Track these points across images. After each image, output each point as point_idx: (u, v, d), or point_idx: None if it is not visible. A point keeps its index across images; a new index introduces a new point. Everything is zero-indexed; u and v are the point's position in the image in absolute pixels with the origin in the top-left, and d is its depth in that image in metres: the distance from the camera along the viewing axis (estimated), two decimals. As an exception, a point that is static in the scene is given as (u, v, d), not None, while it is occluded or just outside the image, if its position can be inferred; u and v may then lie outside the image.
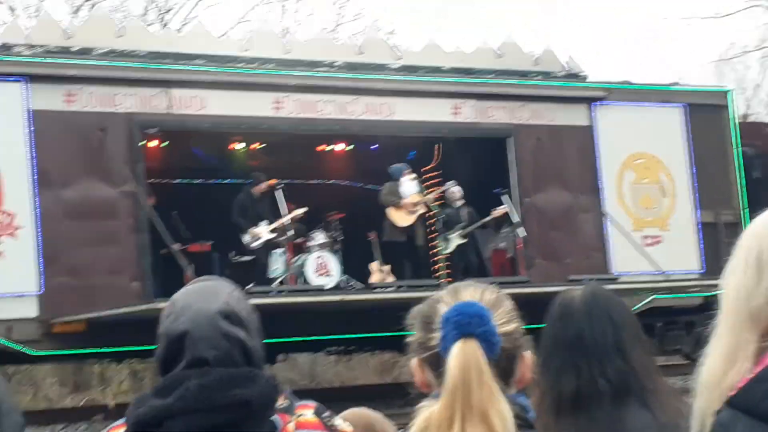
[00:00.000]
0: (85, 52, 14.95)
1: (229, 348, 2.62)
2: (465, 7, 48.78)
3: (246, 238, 15.93)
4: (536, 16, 49.73)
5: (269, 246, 15.99)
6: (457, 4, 48.19)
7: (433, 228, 17.28)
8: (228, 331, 2.63)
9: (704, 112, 18.60)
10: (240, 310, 2.69)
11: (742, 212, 18.53)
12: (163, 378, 2.64)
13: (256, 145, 17.71)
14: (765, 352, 1.99)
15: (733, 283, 2.05)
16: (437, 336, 2.39)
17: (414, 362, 2.48)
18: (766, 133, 20.31)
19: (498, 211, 16.73)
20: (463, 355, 2.30)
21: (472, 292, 2.47)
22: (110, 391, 19.88)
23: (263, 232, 15.89)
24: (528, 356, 2.49)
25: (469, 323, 2.33)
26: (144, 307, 13.10)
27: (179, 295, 2.72)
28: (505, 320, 2.43)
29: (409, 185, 16.51)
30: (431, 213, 16.75)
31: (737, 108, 35.11)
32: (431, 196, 16.59)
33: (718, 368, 2.03)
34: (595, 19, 49.58)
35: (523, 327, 2.52)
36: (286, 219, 15.78)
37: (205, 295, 2.68)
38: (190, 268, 14.50)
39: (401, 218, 16.43)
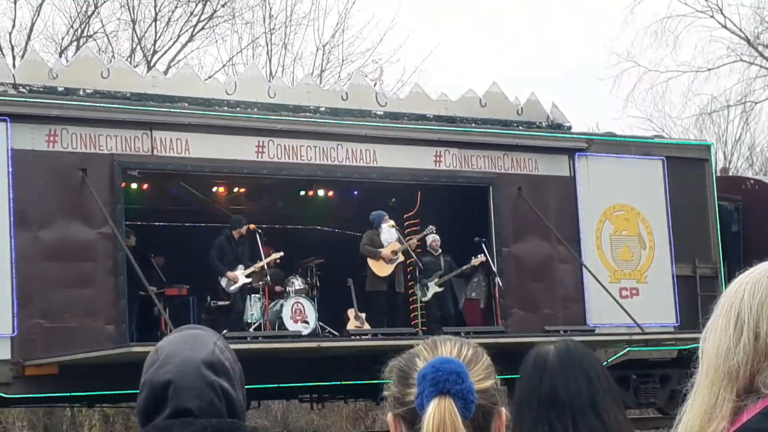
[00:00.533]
0: (69, 92, 14.96)
1: (213, 398, 2.59)
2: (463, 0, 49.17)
3: (223, 282, 15.89)
4: (531, 8, 50.08)
5: (246, 290, 15.94)
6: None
7: (410, 276, 17.29)
8: (213, 381, 2.60)
9: (684, 166, 18.73)
10: (225, 360, 2.67)
11: (719, 266, 18.60)
12: (144, 428, 2.61)
13: (237, 189, 17.73)
14: (741, 411, 1.99)
15: (712, 341, 2.05)
16: (414, 392, 2.37)
17: (390, 417, 2.46)
18: (746, 188, 20.44)
19: (477, 260, 16.75)
20: (439, 413, 2.28)
21: (450, 347, 2.45)
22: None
23: (240, 276, 15.86)
24: (503, 412, 2.47)
25: (446, 381, 2.31)
26: (118, 350, 13.03)
27: (164, 343, 2.70)
28: (482, 377, 2.42)
29: (388, 232, 16.52)
30: (410, 261, 16.75)
31: (717, 162, 35.42)
32: (411, 243, 16.60)
33: (695, 426, 2.02)
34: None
35: (499, 381, 2.50)
36: (262, 264, 15.77)
37: (190, 344, 2.66)
38: (166, 312, 14.45)
39: (380, 268, 16.44)
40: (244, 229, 16.16)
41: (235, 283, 15.81)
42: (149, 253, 16.09)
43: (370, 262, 16.48)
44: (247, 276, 15.88)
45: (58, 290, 14.07)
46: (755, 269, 2.08)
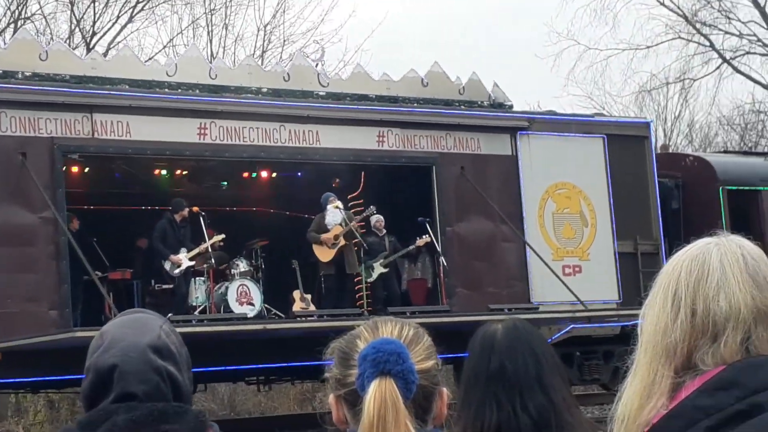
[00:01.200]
0: (7, 75, 14.77)
1: (158, 383, 2.59)
2: None
3: (167, 265, 15.81)
4: None
5: (190, 274, 15.88)
6: None
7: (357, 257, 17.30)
8: (158, 365, 2.61)
9: (625, 143, 18.90)
10: (171, 344, 2.67)
11: (660, 243, 18.81)
12: (89, 412, 2.60)
13: (179, 171, 17.62)
14: (680, 387, 2.03)
15: (650, 318, 2.08)
16: (355, 373, 2.38)
17: (331, 398, 2.48)
18: (685, 165, 20.67)
19: (422, 241, 16.80)
20: (379, 394, 2.30)
21: (391, 327, 2.47)
22: (25, 422, 19.53)
23: (183, 259, 15.78)
24: (445, 392, 2.50)
25: (386, 361, 2.33)
26: (62, 335, 12.94)
27: (109, 328, 2.69)
28: (423, 357, 2.44)
29: (333, 214, 16.52)
30: (355, 241, 16.77)
31: (657, 139, 35.75)
32: (353, 225, 16.61)
33: (635, 403, 2.06)
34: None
35: (441, 362, 2.53)
36: (205, 246, 15.71)
37: (135, 329, 2.65)
38: (110, 296, 14.35)
39: (323, 253, 16.45)
40: (185, 212, 16.07)
41: (179, 266, 15.74)
42: (91, 238, 15.95)
43: (315, 247, 16.50)
44: (191, 259, 15.81)
45: (0, 275, 13.92)
46: (691, 246, 2.12)
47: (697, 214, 19.47)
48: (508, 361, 3.15)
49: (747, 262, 2.05)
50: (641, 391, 2.05)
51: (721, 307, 2.02)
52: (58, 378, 14.10)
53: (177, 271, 15.74)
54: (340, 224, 16.47)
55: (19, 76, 14.86)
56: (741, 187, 19.95)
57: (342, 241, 16.44)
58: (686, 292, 2.04)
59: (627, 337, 17.46)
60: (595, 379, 18.31)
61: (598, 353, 18.01)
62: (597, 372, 18.03)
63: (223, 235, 15.95)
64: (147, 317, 2.72)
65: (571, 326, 17.21)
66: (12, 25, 29.25)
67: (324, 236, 16.39)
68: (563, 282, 16.88)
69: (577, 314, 16.78)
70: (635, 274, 18.45)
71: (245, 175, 18.00)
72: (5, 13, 29.80)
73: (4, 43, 17.79)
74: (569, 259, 18.00)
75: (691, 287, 2.04)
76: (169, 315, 14.82)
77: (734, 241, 2.09)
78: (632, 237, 18.66)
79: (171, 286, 15.88)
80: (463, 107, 17.90)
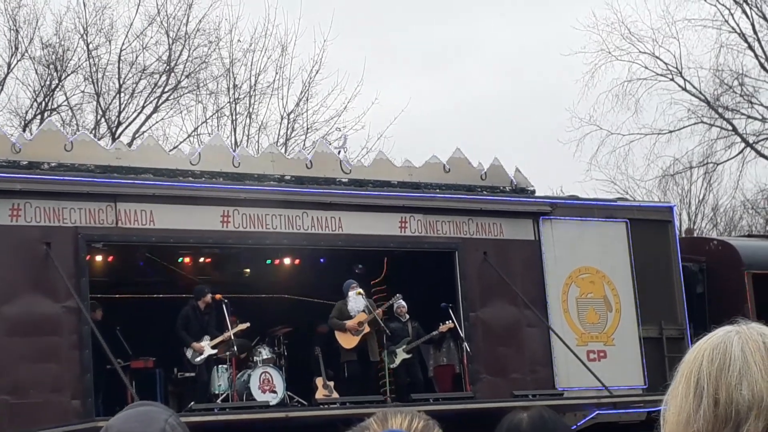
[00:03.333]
0: (33, 166, 14.92)
1: (164, 477, 2.57)
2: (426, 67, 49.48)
3: (189, 353, 15.78)
4: (492, 74, 50.56)
5: (213, 361, 15.83)
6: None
7: (379, 342, 17.24)
8: (163, 460, 2.58)
9: (648, 228, 18.86)
10: (177, 436, 2.65)
11: (685, 327, 18.67)
12: None
13: (203, 259, 17.67)
14: (704, 476, 2.00)
15: (672, 408, 2.07)
16: (363, 466, 2.36)
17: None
18: (709, 249, 20.59)
19: (445, 326, 16.72)
20: (388, 486, 2.28)
21: (401, 419, 2.44)
22: None
23: (206, 347, 15.76)
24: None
25: (395, 454, 2.31)
26: (84, 425, 12.89)
27: (114, 422, 2.67)
28: (432, 450, 2.41)
29: (355, 300, 16.51)
30: (377, 328, 16.72)
31: (681, 223, 35.71)
32: (377, 313, 16.55)
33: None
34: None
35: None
36: (228, 334, 15.69)
37: (140, 422, 2.63)
38: (132, 385, 14.32)
39: (346, 340, 16.42)
40: (208, 298, 16.08)
41: (201, 354, 15.71)
42: (114, 326, 15.97)
43: (338, 334, 16.47)
44: (213, 347, 15.77)
45: (23, 365, 13.91)
46: (712, 335, 2.10)
47: (722, 299, 19.34)
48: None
49: (768, 350, 2.04)
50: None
51: (743, 396, 2.00)
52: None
53: (199, 358, 15.70)
54: (364, 311, 16.44)
55: (45, 166, 15.01)
56: (767, 272, 19.81)
57: (366, 329, 16.40)
58: (708, 381, 2.03)
59: (653, 424, 17.23)
60: (623, 466, 18.04)
61: (624, 440, 17.78)
62: (624, 459, 17.77)
63: (247, 324, 15.93)
64: (152, 410, 2.70)
65: (597, 412, 17.00)
66: (39, 117, 29.67)
67: (348, 323, 16.36)
68: (588, 368, 16.74)
69: (603, 400, 16.61)
70: (661, 359, 18.29)
71: (268, 261, 18.03)
72: (32, 105, 30.25)
73: (30, 135, 18.00)
74: (594, 345, 17.87)
75: (713, 376, 2.03)
76: (191, 404, 14.78)
77: (755, 328, 2.08)
78: (657, 322, 18.52)
79: (193, 374, 15.83)
80: (485, 193, 17.94)
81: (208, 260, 17.75)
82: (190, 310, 16.10)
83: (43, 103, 30.39)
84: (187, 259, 17.53)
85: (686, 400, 2.04)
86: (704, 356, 2.06)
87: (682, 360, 2.12)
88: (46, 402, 13.94)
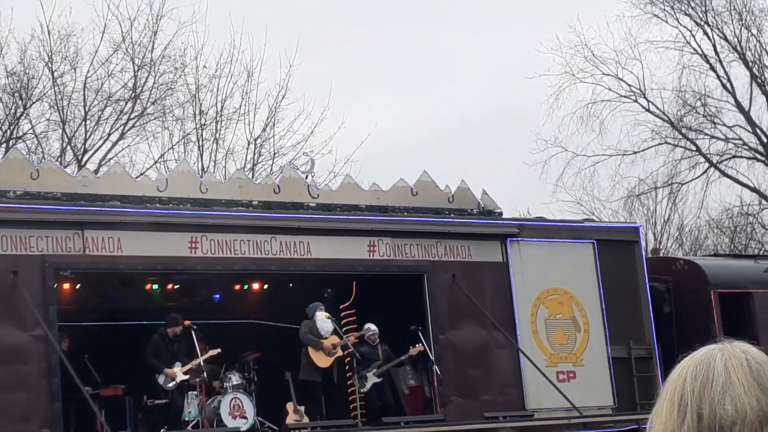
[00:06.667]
0: (-2, 194, 14.83)
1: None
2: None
3: (160, 379, 15.70)
4: (457, 93, 50.74)
5: (184, 388, 15.76)
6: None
7: (348, 367, 17.22)
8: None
9: (615, 248, 18.98)
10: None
11: (653, 347, 18.77)
12: None
13: (171, 285, 17.61)
14: (689, 491, 2.03)
15: (658, 425, 2.10)
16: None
17: None
18: (676, 268, 20.72)
19: (415, 349, 16.74)
20: None
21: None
22: None
23: (178, 372, 15.69)
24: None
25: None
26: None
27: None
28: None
29: (323, 322, 16.52)
30: (347, 351, 16.71)
31: (648, 243, 35.92)
32: (350, 339, 16.55)
33: None
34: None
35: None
36: (198, 361, 15.64)
37: None
38: (101, 413, 14.22)
39: (320, 359, 16.38)
40: (179, 329, 16.02)
41: (173, 380, 15.64)
42: (84, 354, 15.87)
43: (311, 351, 16.41)
44: (185, 373, 15.71)
45: (-10, 395, 13.79)
46: (696, 353, 2.14)
47: (690, 318, 19.47)
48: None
49: (751, 366, 2.07)
50: (652, 495, 2.05)
51: (727, 411, 2.03)
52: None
53: (171, 384, 15.64)
54: (334, 335, 16.44)
55: (11, 195, 14.93)
56: (732, 290, 19.97)
57: (339, 352, 16.39)
58: (692, 397, 2.06)
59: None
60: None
61: (595, 460, 17.82)
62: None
63: (218, 350, 15.90)
64: None
65: (567, 433, 17.05)
66: (4, 145, 29.49)
67: (325, 343, 16.34)
68: (558, 388, 16.79)
69: (573, 420, 16.66)
70: (629, 379, 18.38)
71: (237, 287, 18.00)
72: (-3, 133, 30.07)
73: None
74: (563, 365, 17.93)
75: (697, 392, 2.06)
76: (162, 430, 14.70)
77: (738, 346, 2.12)
78: (625, 341, 18.61)
79: (165, 400, 15.75)
80: (452, 215, 17.99)
81: (177, 286, 17.69)
82: (158, 338, 16.05)
83: (9, 131, 30.21)
84: (155, 286, 17.45)
85: (671, 416, 2.07)
86: (688, 373, 2.09)
87: (666, 378, 2.15)
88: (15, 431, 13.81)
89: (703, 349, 2.13)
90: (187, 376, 15.72)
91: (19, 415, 13.97)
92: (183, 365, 15.77)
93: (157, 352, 15.91)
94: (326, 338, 16.46)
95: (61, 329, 15.09)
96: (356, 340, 16.99)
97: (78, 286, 16.32)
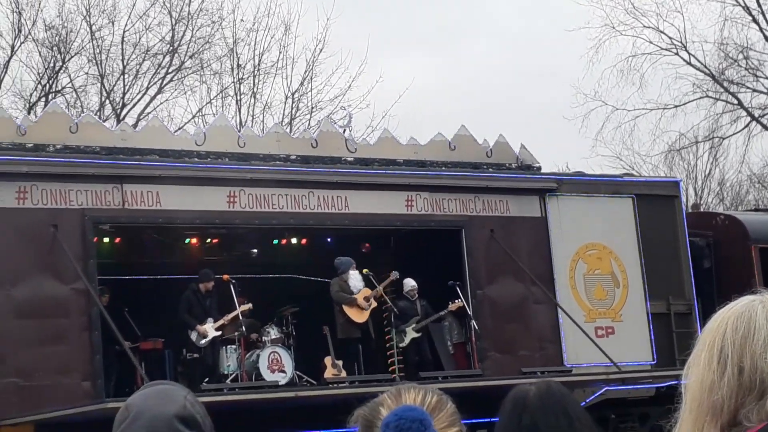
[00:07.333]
0: (38, 148, 14.91)
1: (186, 453, 2.57)
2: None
3: (193, 336, 15.78)
4: (498, 50, 50.46)
5: (219, 342, 15.84)
6: None
7: (386, 321, 17.24)
8: (185, 435, 2.59)
9: (654, 203, 18.83)
10: (196, 413, 2.65)
11: (693, 302, 18.66)
12: None
13: (210, 240, 17.67)
14: (726, 444, 1.99)
15: (695, 376, 2.05)
16: (378, 441, 2.36)
17: (355, 466, 2.45)
18: (716, 223, 20.55)
19: (454, 305, 16.70)
20: (402, 460, 2.28)
21: (414, 395, 2.45)
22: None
23: (209, 329, 15.75)
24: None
25: (409, 428, 2.31)
26: (94, 407, 12.90)
27: (133, 400, 2.67)
28: (446, 424, 2.42)
29: (356, 279, 16.50)
30: (385, 306, 16.71)
31: (688, 198, 35.64)
32: (382, 287, 16.53)
33: (680, 461, 2.02)
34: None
35: (465, 428, 2.50)
36: (231, 315, 15.70)
37: (160, 400, 2.64)
38: (141, 366, 14.33)
39: (356, 314, 16.39)
40: (210, 284, 16.05)
41: (205, 336, 15.71)
42: (123, 307, 15.98)
43: (346, 308, 16.43)
44: (217, 329, 15.78)
45: (32, 348, 13.93)
46: (736, 303, 2.09)
47: (730, 273, 19.31)
48: (540, 420, 3.11)
49: (792, 319, 2.02)
50: (687, 448, 2.01)
51: (768, 364, 1.99)
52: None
53: (203, 341, 15.71)
54: (367, 287, 16.44)
55: (50, 149, 15.00)
56: (774, 245, 19.78)
57: (374, 303, 16.40)
58: (732, 350, 2.02)
59: (662, 399, 17.27)
60: (632, 442, 18.06)
61: (633, 415, 17.78)
62: (633, 434, 17.79)
63: (249, 305, 15.93)
64: (171, 388, 2.71)
65: (605, 388, 17.00)
66: (43, 99, 29.64)
67: (358, 297, 16.35)
68: (596, 344, 16.74)
69: (611, 376, 16.61)
70: (669, 335, 18.29)
71: (275, 242, 18.02)
72: (36, 87, 30.22)
73: (35, 117, 17.99)
74: (602, 321, 17.86)
75: (738, 344, 2.02)
76: (205, 381, 14.81)
77: (778, 298, 2.06)
78: (665, 297, 18.51)
79: (196, 355, 15.84)
80: (491, 170, 17.90)
81: (215, 241, 17.75)
82: (191, 294, 16.10)
83: (47, 85, 30.36)
84: (194, 240, 17.52)
85: (709, 368, 2.03)
86: (728, 324, 2.04)
87: (703, 329, 2.10)
88: (56, 384, 13.96)
89: (742, 300, 2.08)
90: (219, 332, 15.78)
91: (60, 368, 14.10)
92: (215, 321, 15.82)
93: (190, 307, 15.98)
94: (356, 294, 16.44)
95: (100, 283, 15.20)
96: (393, 291, 16.97)
97: (117, 240, 16.41)
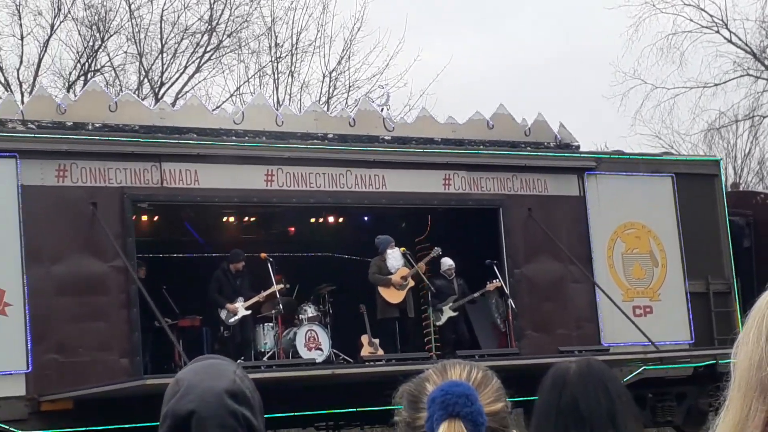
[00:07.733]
0: (78, 126, 15.00)
1: (236, 427, 2.60)
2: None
3: (222, 314, 15.85)
4: (535, 29, 50.29)
5: (251, 321, 15.91)
6: None
7: (423, 300, 17.24)
8: (235, 410, 2.61)
9: (694, 182, 18.69)
10: (246, 388, 2.67)
11: (732, 282, 18.53)
12: None
13: (247, 218, 17.73)
14: (774, 420, 1.97)
15: (744, 354, 2.03)
16: (424, 416, 2.36)
17: (401, 442, 2.45)
18: (756, 203, 20.39)
19: (492, 285, 16.67)
20: (449, 436, 2.27)
21: (460, 370, 2.45)
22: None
23: (240, 308, 15.82)
24: (515, 434, 2.46)
25: (455, 404, 2.31)
26: (132, 383, 13.00)
27: (184, 374, 2.69)
28: (492, 399, 2.41)
29: (394, 258, 16.50)
30: (422, 285, 16.71)
31: (727, 177, 35.37)
32: (420, 266, 16.53)
33: (728, 437, 2.00)
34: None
35: (510, 404, 2.50)
36: (263, 294, 15.76)
37: (210, 374, 2.66)
38: (179, 343, 14.41)
39: (392, 295, 16.40)
40: (241, 265, 16.11)
41: (235, 315, 15.77)
42: (161, 285, 16.08)
43: (381, 289, 16.45)
44: (247, 308, 15.83)
45: (71, 325, 14.06)
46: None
47: (770, 252, 19.16)
48: (580, 396, 3.10)
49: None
50: (734, 425, 2.00)
51: (817, 341, 1.96)
52: (130, 426, 14.14)
53: (233, 319, 15.77)
54: (405, 267, 16.44)
55: (90, 127, 15.08)
56: (814, 225, 19.60)
57: (411, 282, 16.40)
58: (780, 326, 1.99)
59: (700, 378, 17.20)
60: (669, 422, 17.99)
61: (671, 395, 17.71)
62: (670, 414, 17.72)
63: (281, 285, 15.96)
64: (220, 363, 2.72)
65: (643, 368, 16.96)
66: (82, 78, 29.80)
67: (393, 278, 16.36)
68: (634, 323, 16.67)
69: (649, 356, 16.55)
70: (707, 314, 18.19)
71: (312, 220, 18.06)
72: (75, 66, 30.39)
73: (75, 96, 18.08)
74: (640, 300, 17.78)
75: (785, 320, 1.99)
76: (242, 358, 14.88)
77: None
78: (704, 276, 18.39)
79: (227, 333, 15.91)
80: (529, 149, 17.84)
81: (253, 219, 17.82)
82: (221, 273, 16.18)
83: (87, 64, 30.52)
84: (231, 219, 17.59)
85: (758, 345, 2.01)
86: (776, 301, 2.02)
87: (753, 306, 2.08)
88: (95, 360, 14.09)
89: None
90: (248, 312, 15.85)
91: (99, 345, 14.22)
92: (246, 300, 15.88)
93: (220, 287, 16.06)
94: (393, 273, 16.45)
95: (139, 260, 15.30)
96: (430, 269, 16.97)
97: (155, 218, 16.50)
